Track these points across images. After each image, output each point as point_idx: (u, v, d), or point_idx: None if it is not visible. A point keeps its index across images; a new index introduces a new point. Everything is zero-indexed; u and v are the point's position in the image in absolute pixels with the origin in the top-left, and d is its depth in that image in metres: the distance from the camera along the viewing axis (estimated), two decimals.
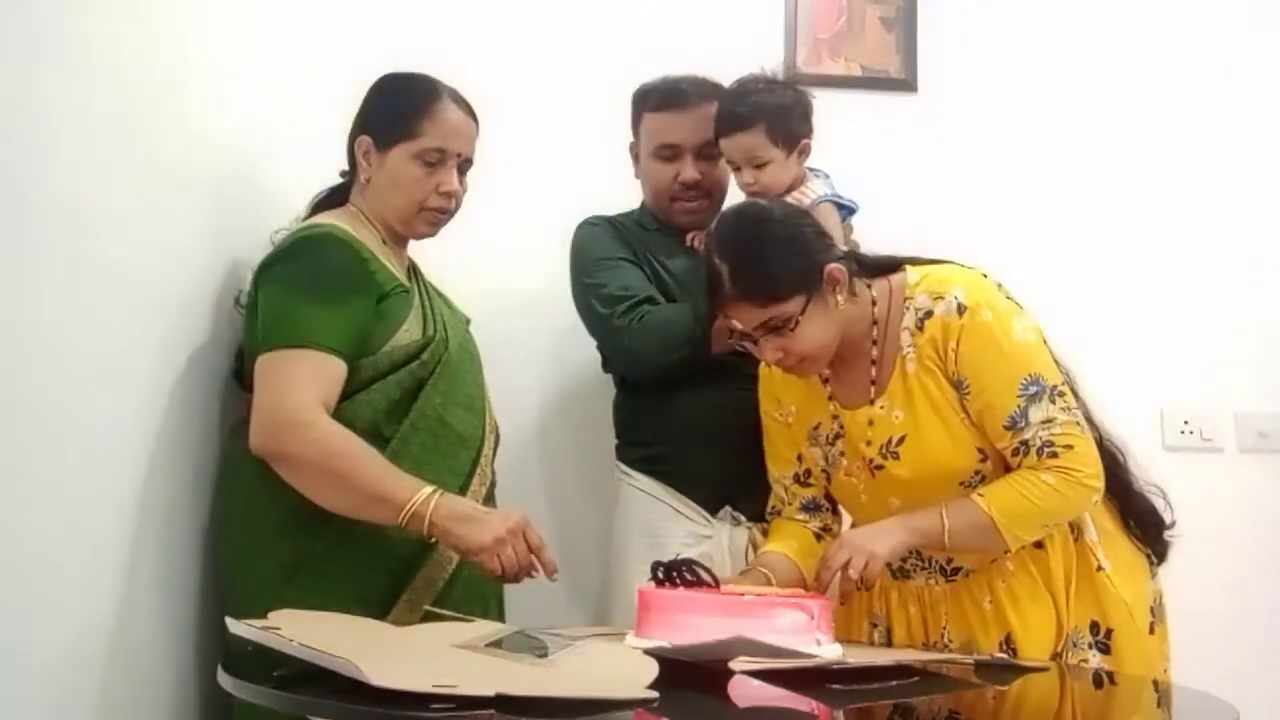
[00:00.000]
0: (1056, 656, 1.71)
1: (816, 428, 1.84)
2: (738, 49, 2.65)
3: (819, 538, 1.90)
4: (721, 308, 1.71)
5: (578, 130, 2.51)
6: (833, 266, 1.70)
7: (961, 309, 1.68)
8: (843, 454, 1.81)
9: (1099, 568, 1.74)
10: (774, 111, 2.07)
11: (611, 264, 2.20)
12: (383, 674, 1.09)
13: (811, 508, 1.92)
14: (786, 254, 1.69)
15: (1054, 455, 1.64)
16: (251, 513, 1.71)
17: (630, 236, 2.26)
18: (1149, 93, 2.85)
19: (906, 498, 1.73)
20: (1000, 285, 1.75)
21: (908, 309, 1.73)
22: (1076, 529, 1.75)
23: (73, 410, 1.36)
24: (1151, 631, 1.75)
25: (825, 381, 1.83)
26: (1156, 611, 1.78)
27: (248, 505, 1.71)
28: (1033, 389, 1.66)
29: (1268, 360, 2.78)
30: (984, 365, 1.68)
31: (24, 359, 1.25)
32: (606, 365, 2.33)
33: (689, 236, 2.26)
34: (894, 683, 1.41)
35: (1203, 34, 2.86)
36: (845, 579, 1.63)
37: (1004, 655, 1.67)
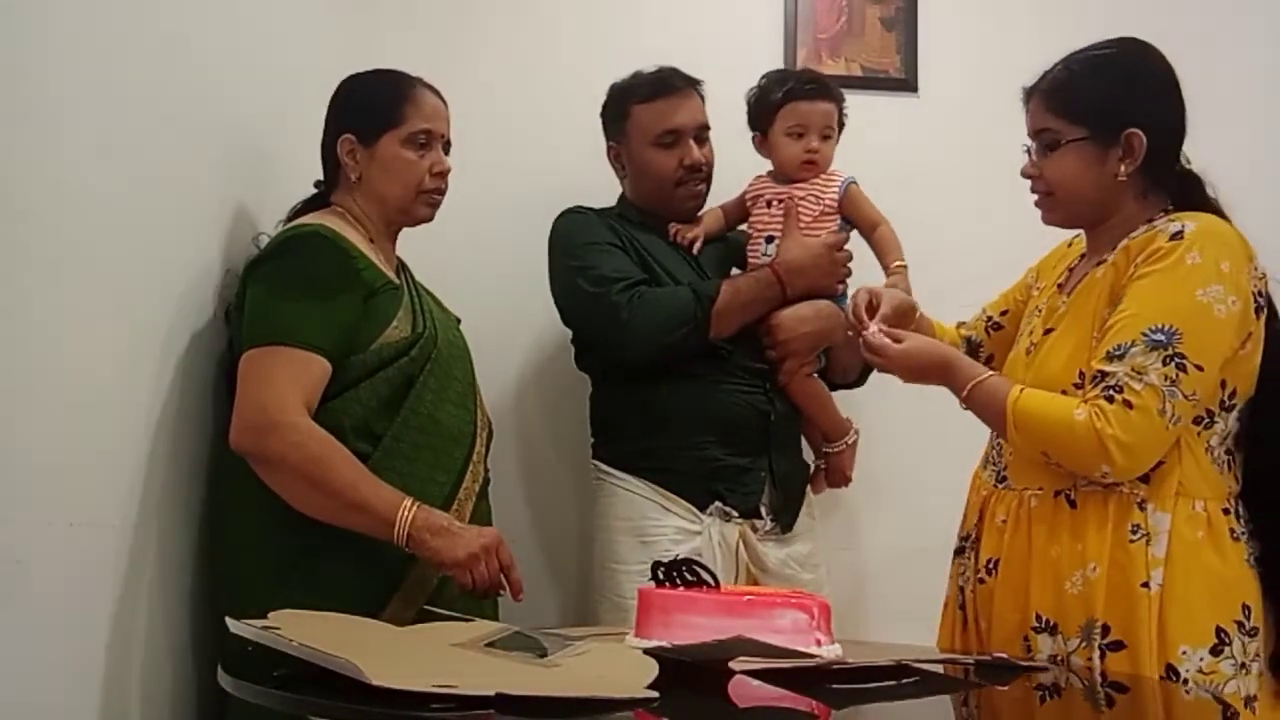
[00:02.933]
0: (1028, 644, 1.63)
1: (1038, 307, 1.82)
2: (738, 49, 2.67)
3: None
4: (1027, 99, 1.71)
5: (569, 130, 2.51)
6: (1135, 132, 1.62)
7: (1177, 235, 1.57)
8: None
9: (1144, 583, 1.56)
10: (842, 98, 2.29)
11: (600, 248, 2.20)
12: (382, 674, 1.09)
13: (971, 348, 1.95)
14: (1107, 87, 1.66)
15: (1109, 399, 1.53)
16: (245, 511, 1.71)
17: (616, 227, 2.27)
18: None
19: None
20: (1255, 269, 1.60)
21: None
22: (1143, 531, 1.58)
23: (70, 409, 1.36)
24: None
25: (1070, 269, 1.79)
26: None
27: (242, 504, 1.71)
28: (1158, 336, 1.54)
29: None
30: (1147, 290, 1.57)
31: (20, 357, 1.25)
32: (580, 359, 2.33)
33: (671, 231, 2.28)
34: (894, 683, 1.41)
35: (1201, 34, 2.86)
36: (869, 340, 1.73)
37: (1003, 655, 1.65)
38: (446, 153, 1.92)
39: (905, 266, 2.15)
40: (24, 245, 1.24)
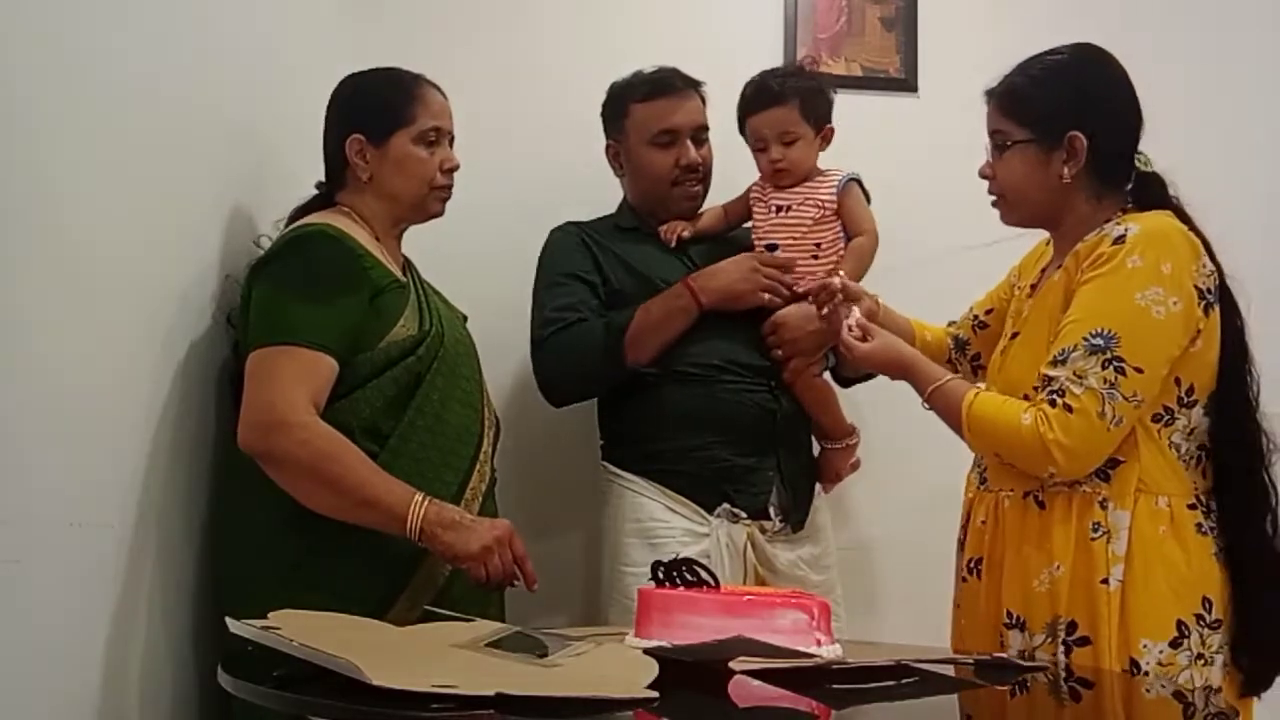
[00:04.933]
0: (1001, 640, 1.67)
1: (1014, 310, 1.86)
2: (738, 49, 2.66)
3: (950, 359, 2.02)
4: (987, 101, 1.76)
5: (571, 129, 2.51)
6: (1076, 135, 1.66)
7: (1120, 240, 1.60)
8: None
9: (1104, 580, 1.60)
10: (807, 92, 2.21)
11: (560, 281, 2.22)
12: (382, 674, 1.09)
13: (959, 345, 2.03)
14: (1054, 91, 1.70)
15: (1052, 403, 1.58)
16: (251, 512, 1.71)
17: (604, 241, 2.28)
18: (1149, 89, 2.84)
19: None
20: (1203, 266, 1.62)
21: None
22: (1103, 529, 1.62)
23: (72, 409, 1.36)
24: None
25: (1044, 270, 1.81)
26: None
27: (248, 504, 1.72)
28: (1097, 341, 1.57)
29: None
30: (1089, 295, 1.61)
31: (22, 357, 1.25)
32: None
33: (663, 230, 2.28)
34: (894, 683, 1.41)
35: (1202, 33, 2.86)
36: (847, 339, 1.82)
37: (1004, 655, 1.66)
38: (450, 147, 1.94)
39: (840, 278, 2.04)
40: (24, 246, 1.24)
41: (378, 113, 1.87)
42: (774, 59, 2.69)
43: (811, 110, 2.21)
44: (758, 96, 2.22)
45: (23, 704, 1.26)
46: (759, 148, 2.23)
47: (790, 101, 2.19)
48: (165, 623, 1.64)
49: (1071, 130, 1.67)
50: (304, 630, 1.29)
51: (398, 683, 1.08)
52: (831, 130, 2.25)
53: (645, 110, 2.27)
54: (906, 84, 2.77)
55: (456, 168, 1.92)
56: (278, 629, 1.29)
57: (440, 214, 1.94)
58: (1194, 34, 2.87)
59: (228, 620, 1.33)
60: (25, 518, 1.26)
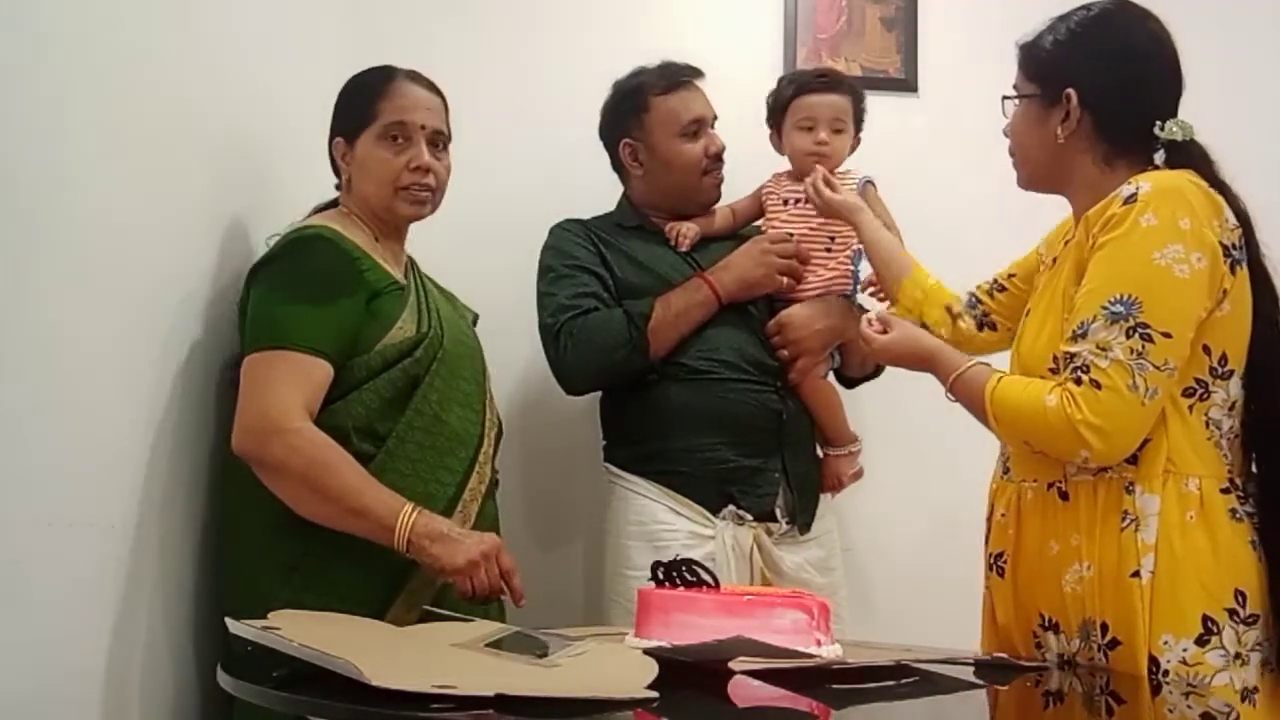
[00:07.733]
0: (1038, 641, 1.60)
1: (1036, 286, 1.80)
2: (738, 49, 2.67)
3: (950, 309, 1.90)
4: None
5: (576, 127, 2.51)
6: (1071, 91, 1.59)
7: (1130, 199, 1.49)
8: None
9: (1135, 572, 1.49)
10: (859, 94, 2.30)
11: (567, 273, 2.21)
12: (382, 674, 1.09)
13: (971, 303, 1.92)
14: (1061, 45, 1.63)
15: (1077, 381, 1.47)
16: (250, 513, 1.71)
17: (608, 238, 2.26)
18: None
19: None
20: (1226, 221, 1.51)
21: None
22: (1131, 517, 1.50)
23: (70, 410, 1.36)
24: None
25: (1066, 244, 1.73)
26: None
27: (246, 505, 1.71)
28: (1117, 308, 1.46)
29: None
30: (1104, 261, 1.50)
31: (23, 357, 1.25)
32: None
33: (668, 230, 2.27)
34: (894, 683, 1.41)
35: (1201, 33, 2.86)
36: (860, 329, 1.79)
37: (1003, 655, 1.65)
38: (442, 146, 1.88)
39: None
40: (25, 248, 1.24)
41: (350, 113, 1.86)
42: (774, 59, 2.70)
43: (859, 111, 2.28)
44: (822, 79, 2.27)
45: (23, 704, 1.26)
46: (805, 126, 2.23)
47: (850, 95, 2.26)
48: (165, 623, 1.64)
49: (1068, 86, 1.60)
50: (304, 630, 1.29)
51: (397, 683, 1.08)
52: (859, 140, 2.28)
53: (669, 103, 2.26)
54: (906, 84, 2.77)
55: (425, 167, 1.82)
56: (278, 629, 1.29)
57: (415, 217, 1.88)
58: (1198, 28, 2.86)
59: (228, 620, 1.33)
60: (25, 518, 1.26)
